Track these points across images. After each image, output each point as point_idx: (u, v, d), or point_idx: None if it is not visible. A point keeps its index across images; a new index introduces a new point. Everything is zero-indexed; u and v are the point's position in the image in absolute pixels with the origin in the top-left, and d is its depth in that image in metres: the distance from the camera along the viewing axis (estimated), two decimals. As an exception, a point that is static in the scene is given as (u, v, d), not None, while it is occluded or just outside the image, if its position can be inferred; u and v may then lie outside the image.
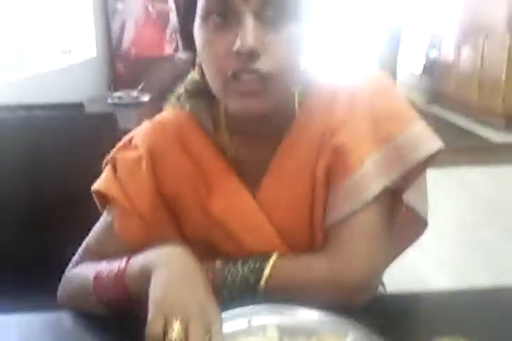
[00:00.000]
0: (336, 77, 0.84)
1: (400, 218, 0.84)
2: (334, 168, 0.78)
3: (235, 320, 0.67)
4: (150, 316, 0.60)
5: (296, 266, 0.77)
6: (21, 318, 0.80)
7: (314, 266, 0.77)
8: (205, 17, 0.71)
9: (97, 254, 0.82)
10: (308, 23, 0.73)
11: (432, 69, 6.02)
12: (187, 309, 0.60)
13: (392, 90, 0.83)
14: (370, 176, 0.76)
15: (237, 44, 0.68)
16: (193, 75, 0.84)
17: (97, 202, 0.85)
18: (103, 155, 0.86)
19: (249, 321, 0.68)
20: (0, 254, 1.26)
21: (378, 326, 0.64)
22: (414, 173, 0.79)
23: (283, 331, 0.67)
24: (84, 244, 0.86)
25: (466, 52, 5.31)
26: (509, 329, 0.71)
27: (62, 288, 0.84)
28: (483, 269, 2.39)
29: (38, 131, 1.33)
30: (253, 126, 0.81)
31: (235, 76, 0.70)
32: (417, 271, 2.32)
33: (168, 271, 0.67)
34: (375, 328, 0.64)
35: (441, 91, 5.86)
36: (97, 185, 0.83)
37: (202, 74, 0.78)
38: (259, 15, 0.69)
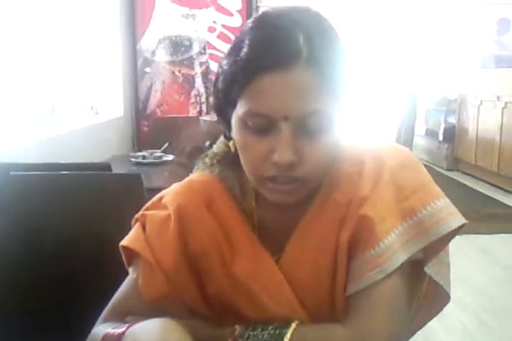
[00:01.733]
0: (362, 148, 0.86)
1: (422, 290, 0.84)
2: (358, 239, 0.78)
3: None
4: None
5: (315, 335, 0.77)
6: None
7: (335, 336, 0.76)
8: (244, 122, 0.74)
9: (122, 311, 0.83)
10: (339, 129, 0.77)
11: (452, 135, 6.06)
12: None
13: (418, 164, 0.84)
14: (393, 248, 0.77)
15: (276, 157, 0.72)
16: (225, 144, 0.88)
17: (124, 259, 0.86)
18: (128, 214, 0.88)
19: None
20: (24, 313, 1.27)
21: None
22: (436, 247, 0.80)
23: None
24: (111, 301, 0.87)
25: (485, 119, 5.36)
26: None
27: None
28: (503, 339, 2.31)
29: (64, 191, 1.36)
30: None
31: (271, 179, 0.75)
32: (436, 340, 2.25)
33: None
34: None
35: (461, 158, 5.87)
36: (125, 241, 0.85)
37: (235, 148, 0.81)
38: (297, 130, 0.72)
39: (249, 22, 0.78)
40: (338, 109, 0.75)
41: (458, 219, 0.79)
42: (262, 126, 0.73)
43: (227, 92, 0.77)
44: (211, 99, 3.67)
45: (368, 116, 6.65)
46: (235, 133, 0.78)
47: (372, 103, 6.66)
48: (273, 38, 0.72)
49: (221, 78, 0.78)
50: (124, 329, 0.74)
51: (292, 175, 0.74)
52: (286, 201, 0.78)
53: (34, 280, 1.30)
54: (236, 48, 0.75)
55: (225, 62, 0.77)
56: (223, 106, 0.80)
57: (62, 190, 1.37)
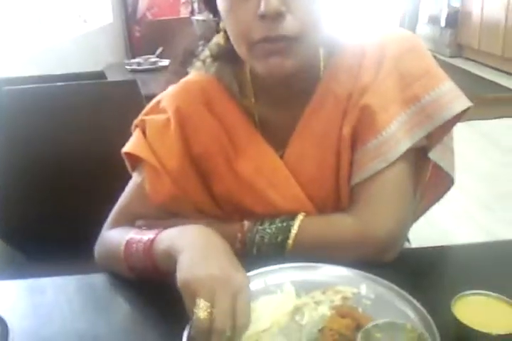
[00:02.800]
0: (362, 36, 0.83)
1: (426, 176, 0.85)
2: (361, 128, 0.78)
3: (253, 281, 0.68)
4: (185, 302, 0.62)
5: (323, 224, 0.79)
6: (55, 281, 0.83)
7: (341, 224, 0.78)
8: None
9: (130, 215, 0.85)
10: None
11: (455, 20, 5.83)
12: (211, 283, 0.61)
13: (422, 49, 0.82)
14: (396, 136, 0.77)
15: (262, 7, 0.68)
16: (217, 39, 0.84)
17: (128, 165, 0.87)
18: (128, 121, 0.88)
19: (265, 281, 0.71)
20: (33, 219, 1.31)
21: (404, 281, 0.66)
22: (441, 132, 0.79)
23: (299, 286, 0.69)
24: (116, 206, 0.88)
25: (490, 2, 5.12)
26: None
27: (98, 250, 0.87)
28: (507, 223, 2.38)
29: (62, 102, 1.35)
30: (279, 88, 0.82)
31: (262, 40, 0.71)
32: (439, 225, 2.33)
33: (190, 254, 0.67)
34: (401, 283, 0.66)
35: (465, 43, 5.69)
36: (127, 147, 0.85)
37: (226, 38, 0.78)
38: None
39: None
40: None
41: (462, 103, 0.78)
42: None
43: None
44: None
45: (370, 3, 6.38)
46: (221, 3, 0.74)
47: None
48: None
49: None
50: (153, 235, 0.74)
51: (282, 31, 0.70)
52: (282, 68, 0.73)
53: (37, 191, 1.33)
54: None
55: None
56: None
57: (59, 101, 1.35)
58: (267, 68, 0.74)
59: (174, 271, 0.65)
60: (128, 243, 0.77)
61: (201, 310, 0.59)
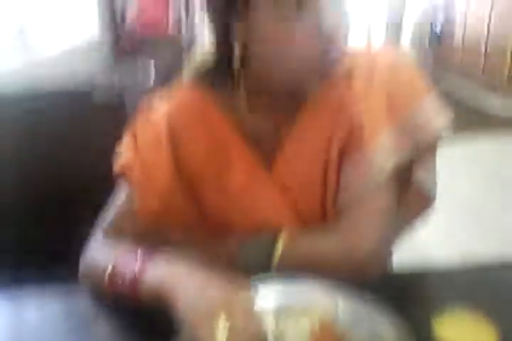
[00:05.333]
0: (353, 52, 0.84)
1: (409, 194, 0.86)
2: (348, 146, 0.80)
3: None
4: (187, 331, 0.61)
5: (306, 244, 0.80)
6: (43, 290, 0.81)
7: (325, 244, 0.79)
8: (277, 5, 0.72)
9: (116, 230, 0.84)
10: None
11: (438, 41, 5.96)
12: (219, 308, 0.61)
13: (410, 66, 0.84)
14: (383, 151, 0.78)
15: (324, 27, 0.72)
16: (204, 54, 0.85)
17: (116, 177, 0.86)
18: (114, 138, 0.88)
19: None
20: (21, 232, 1.29)
21: (387, 303, 0.66)
22: (424, 151, 0.81)
23: (279, 304, 0.68)
24: (103, 219, 0.87)
25: (472, 19, 5.24)
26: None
27: (81, 270, 0.84)
28: (487, 241, 2.41)
29: (46, 120, 1.35)
30: (272, 100, 0.82)
31: (318, 56, 0.74)
32: (420, 245, 2.34)
33: (187, 292, 0.66)
34: (383, 305, 0.66)
35: (448, 63, 5.79)
36: (117, 161, 0.85)
37: (215, 53, 0.80)
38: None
39: None
40: None
41: (445, 120, 0.81)
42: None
43: None
44: (191, 13, 3.54)
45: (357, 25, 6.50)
46: (262, 27, 0.74)
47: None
48: None
49: None
50: (137, 269, 0.72)
51: (335, 44, 0.74)
52: (319, 79, 0.78)
53: (25, 203, 1.31)
54: None
55: None
56: (229, 11, 0.75)
57: (40, 120, 1.34)
58: (308, 81, 0.78)
59: (162, 307, 0.65)
60: (113, 271, 0.74)
61: (221, 330, 0.59)
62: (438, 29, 5.98)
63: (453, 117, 0.81)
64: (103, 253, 0.82)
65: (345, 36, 0.75)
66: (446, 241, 2.48)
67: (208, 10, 0.79)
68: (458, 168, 3.32)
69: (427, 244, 2.37)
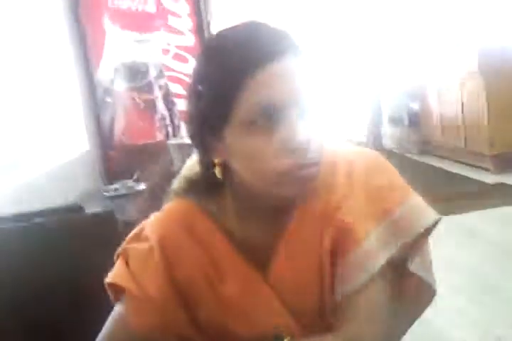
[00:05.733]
0: (333, 152, 0.86)
1: (409, 287, 0.87)
2: (340, 243, 0.81)
3: None
4: None
5: None
6: None
7: None
8: (247, 124, 0.74)
9: None
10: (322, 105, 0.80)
11: (417, 120, 6.16)
12: None
13: (387, 166, 0.87)
14: (373, 250, 0.79)
15: (294, 142, 0.73)
16: (192, 164, 0.89)
17: (111, 295, 0.87)
18: (107, 252, 0.89)
19: None
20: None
21: None
22: (415, 244, 0.83)
23: None
24: (100, 336, 0.86)
25: (447, 101, 5.45)
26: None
27: None
28: (500, 317, 2.34)
29: (40, 239, 1.37)
30: (259, 208, 0.84)
31: (295, 169, 0.74)
32: (432, 325, 2.28)
33: None
34: None
35: (430, 140, 5.95)
36: (109, 278, 0.85)
37: (204, 166, 0.84)
38: (302, 113, 0.75)
39: (211, 40, 0.83)
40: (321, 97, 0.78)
41: (431, 216, 0.83)
42: (271, 117, 0.73)
43: (218, 104, 0.75)
44: (176, 121, 3.69)
45: (336, 112, 6.76)
46: (238, 142, 0.76)
47: (338, 98, 6.76)
48: (255, 35, 0.75)
49: (205, 95, 0.77)
50: None
51: (313, 155, 0.75)
52: (304, 190, 0.78)
53: (13, 330, 1.30)
54: (216, 58, 0.76)
55: (205, 75, 0.78)
56: (205, 130, 0.79)
57: (33, 240, 1.37)
58: (291, 192, 0.78)
59: None
60: None
61: None
62: (415, 108, 6.21)
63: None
64: None
65: (320, 145, 0.77)
66: (460, 318, 2.40)
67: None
68: (455, 240, 3.31)
69: (440, 323, 2.31)
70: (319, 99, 0.78)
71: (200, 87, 0.77)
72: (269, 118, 0.73)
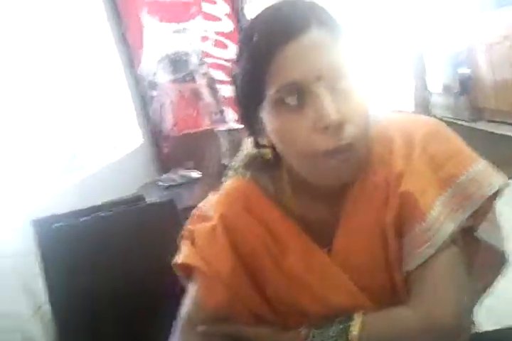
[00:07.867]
0: (388, 125, 0.85)
1: (479, 255, 0.85)
2: (404, 216, 0.79)
3: None
4: None
5: (383, 322, 0.77)
6: None
7: (402, 319, 0.76)
8: (278, 103, 0.74)
9: (190, 325, 0.84)
10: (362, 80, 0.77)
11: (468, 86, 5.95)
12: None
13: (447, 132, 0.85)
14: (440, 219, 0.77)
15: (324, 120, 0.71)
16: (246, 148, 0.90)
17: (182, 275, 0.89)
18: (171, 238, 0.92)
19: None
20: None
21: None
22: (483, 210, 0.80)
23: None
24: (178, 317, 0.87)
25: (498, 63, 5.24)
26: None
27: None
28: None
29: (106, 232, 1.42)
30: (318, 190, 0.84)
31: (329, 152, 0.73)
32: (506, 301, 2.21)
33: None
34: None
35: (482, 106, 5.75)
36: (178, 259, 0.88)
37: (257, 149, 0.84)
38: (332, 92, 0.73)
39: (252, 18, 0.81)
40: (356, 65, 0.76)
41: (499, 180, 0.80)
42: (299, 95, 0.73)
43: (251, 84, 0.76)
44: (221, 107, 3.70)
45: (380, 83, 6.60)
46: (271, 123, 0.77)
47: (380, 69, 6.60)
48: (279, 13, 0.75)
49: (240, 76, 0.79)
50: None
51: (347, 140, 0.73)
52: (344, 177, 0.77)
53: (95, 321, 1.36)
54: (246, 40, 0.77)
55: (240, 57, 0.79)
56: (250, 106, 0.80)
57: (103, 230, 1.42)
58: (330, 179, 0.77)
59: None
60: None
61: None
62: (465, 73, 6.00)
63: (501, 157, 0.79)
64: None
65: (361, 121, 0.75)
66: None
67: (237, 106, 0.84)
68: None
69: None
70: (356, 71, 0.75)
71: (237, 69, 0.79)
72: (296, 95, 0.73)
